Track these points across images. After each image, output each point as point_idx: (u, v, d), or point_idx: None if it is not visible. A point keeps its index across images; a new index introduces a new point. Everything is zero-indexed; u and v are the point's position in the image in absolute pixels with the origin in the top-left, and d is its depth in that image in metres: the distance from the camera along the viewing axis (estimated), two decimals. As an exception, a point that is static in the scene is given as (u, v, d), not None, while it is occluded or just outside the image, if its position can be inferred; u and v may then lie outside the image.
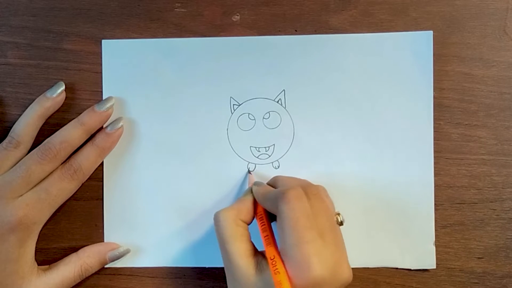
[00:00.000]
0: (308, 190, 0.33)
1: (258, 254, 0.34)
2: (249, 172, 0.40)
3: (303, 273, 0.30)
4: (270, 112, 0.40)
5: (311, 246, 0.31)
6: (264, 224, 0.34)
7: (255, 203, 0.36)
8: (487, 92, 0.40)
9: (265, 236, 0.34)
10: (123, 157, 0.40)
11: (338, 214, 0.34)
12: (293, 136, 0.40)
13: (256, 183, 0.37)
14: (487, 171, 0.40)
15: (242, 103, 0.40)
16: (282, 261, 0.31)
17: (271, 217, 0.35)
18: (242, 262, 0.33)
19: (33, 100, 0.39)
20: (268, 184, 0.37)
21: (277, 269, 0.31)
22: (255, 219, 0.36)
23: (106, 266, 0.40)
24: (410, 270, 0.40)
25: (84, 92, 0.40)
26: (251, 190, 0.36)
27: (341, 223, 0.34)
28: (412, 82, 0.40)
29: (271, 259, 0.32)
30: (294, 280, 0.30)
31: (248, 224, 0.35)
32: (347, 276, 0.32)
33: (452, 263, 0.40)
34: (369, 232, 0.40)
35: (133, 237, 0.40)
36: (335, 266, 0.31)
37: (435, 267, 0.40)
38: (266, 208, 0.35)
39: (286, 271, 0.31)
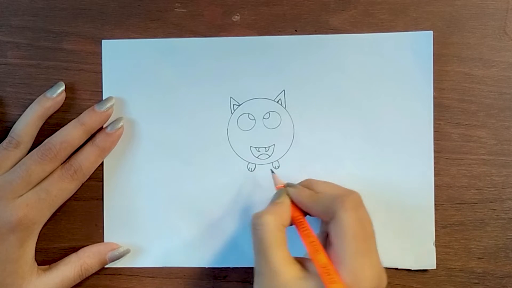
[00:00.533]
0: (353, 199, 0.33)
1: (297, 260, 0.33)
2: (272, 172, 0.40)
3: (357, 284, 0.30)
4: (270, 112, 0.40)
5: (368, 257, 0.31)
6: (307, 230, 0.33)
7: (294, 207, 0.35)
8: (487, 92, 0.40)
9: (311, 242, 0.33)
10: (123, 157, 0.40)
11: None
12: (293, 136, 0.40)
13: (290, 185, 0.36)
14: (487, 171, 0.40)
15: (242, 103, 0.40)
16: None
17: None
18: (286, 268, 0.32)
19: (33, 100, 0.39)
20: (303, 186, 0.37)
21: (333, 278, 0.30)
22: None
23: (106, 266, 0.40)
24: (410, 270, 0.40)
25: (84, 92, 0.41)
26: (285, 192, 0.35)
27: None
28: (412, 82, 0.40)
29: (323, 268, 0.31)
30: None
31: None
32: (385, 282, 0.32)
33: (452, 263, 0.40)
34: (369, 232, 0.40)
35: (133, 237, 0.40)
36: (380, 274, 0.32)
37: (435, 267, 0.40)
38: (311, 212, 0.34)
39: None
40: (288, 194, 0.35)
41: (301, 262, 0.33)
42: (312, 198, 0.34)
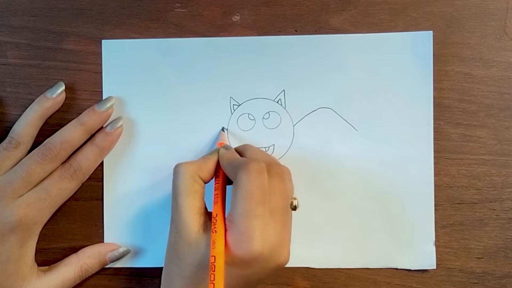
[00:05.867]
0: (272, 167, 0.33)
1: (207, 215, 0.34)
2: (222, 130, 0.40)
3: (243, 244, 0.30)
4: (270, 112, 0.40)
5: (259, 220, 0.31)
6: (218, 183, 0.34)
7: (218, 164, 0.36)
8: (487, 92, 0.40)
9: (215, 194, 0.34)
10: (123, 157, 0.40)
11: (295, 198, 0.34)
12: (293, 136, 0.40)
13: (225, 147, 0.37)
14: (487, 171, 0.40)
15: (242, 103, 0.40)
16: (225, 225, 0.31)
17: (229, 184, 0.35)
18: (190, 217, 0.33)
19: (33, 100, 0.39)
20: (237, 150, 0.37)
21: (215, 228, 0.31)
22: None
23: (106, 267, 0.40)
24: (410, 270, 0.40)
25: (84, 92, 0.40)
26: (217, 151, 0.36)
27: (294, 208, 0.34)
28: (412, 82, 0.40)
29: (214, 218, 0.32)
30: (233, 249, 0.30)
31: (205, 183, 0.35)
32: (284, 259, 0.32)
33: (452, 263, 0.40)
34: (369, 232, 0.40)
35: (133, 237, 0.40)
36: (276, 246, 0.31)
37: (435, 267, 0.40)
38: (226, 174, 0.35)
39: (227, 238, 0.31)
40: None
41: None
42: (228, 161, 0.35)
